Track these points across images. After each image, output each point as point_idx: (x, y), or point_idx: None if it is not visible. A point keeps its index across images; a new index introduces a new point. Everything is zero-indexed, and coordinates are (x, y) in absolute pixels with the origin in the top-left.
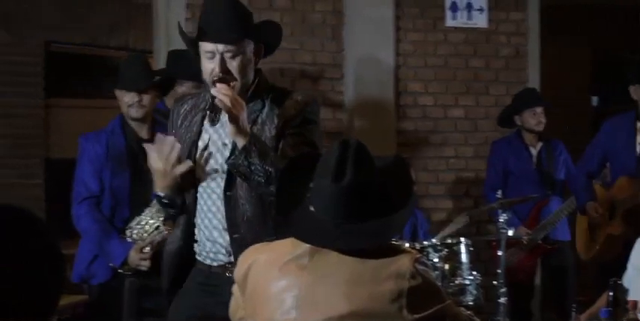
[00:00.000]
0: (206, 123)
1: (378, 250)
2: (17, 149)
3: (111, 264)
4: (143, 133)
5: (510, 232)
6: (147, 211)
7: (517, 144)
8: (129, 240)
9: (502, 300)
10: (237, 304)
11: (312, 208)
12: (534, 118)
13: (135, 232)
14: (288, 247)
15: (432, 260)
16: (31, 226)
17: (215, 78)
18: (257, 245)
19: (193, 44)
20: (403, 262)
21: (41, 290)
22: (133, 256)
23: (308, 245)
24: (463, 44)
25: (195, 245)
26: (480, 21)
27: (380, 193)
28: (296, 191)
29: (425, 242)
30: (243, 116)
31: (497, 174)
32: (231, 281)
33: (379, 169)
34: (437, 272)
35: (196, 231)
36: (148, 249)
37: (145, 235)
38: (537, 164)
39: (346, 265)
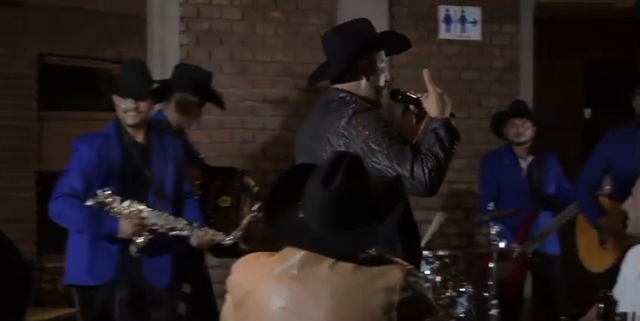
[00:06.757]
0: None
1: (368, 263)
2: (10, 162)
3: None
4: (139, 138)
5: (502, 244)
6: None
7: (507, 157)
8: (90, 202)
9: (493, 312)
10: (229, 311)
11: (301, 215)
12: (513, 130)
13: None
14: (281, 257)
15: (423, 272)
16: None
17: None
18: (251, 256)
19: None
20: (393, 275)
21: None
22: (126, 226)
23: (298, 257)
24: (457, 56)
25: None
26: (474, 33)
27: (367, 203)
28: (289, 200)
29: None
30: None
31: (491, 187)
32: None
33: (372, 182)
34: (428, 284)
35: None
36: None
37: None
38: (527, 177)
39: (334, 279)
